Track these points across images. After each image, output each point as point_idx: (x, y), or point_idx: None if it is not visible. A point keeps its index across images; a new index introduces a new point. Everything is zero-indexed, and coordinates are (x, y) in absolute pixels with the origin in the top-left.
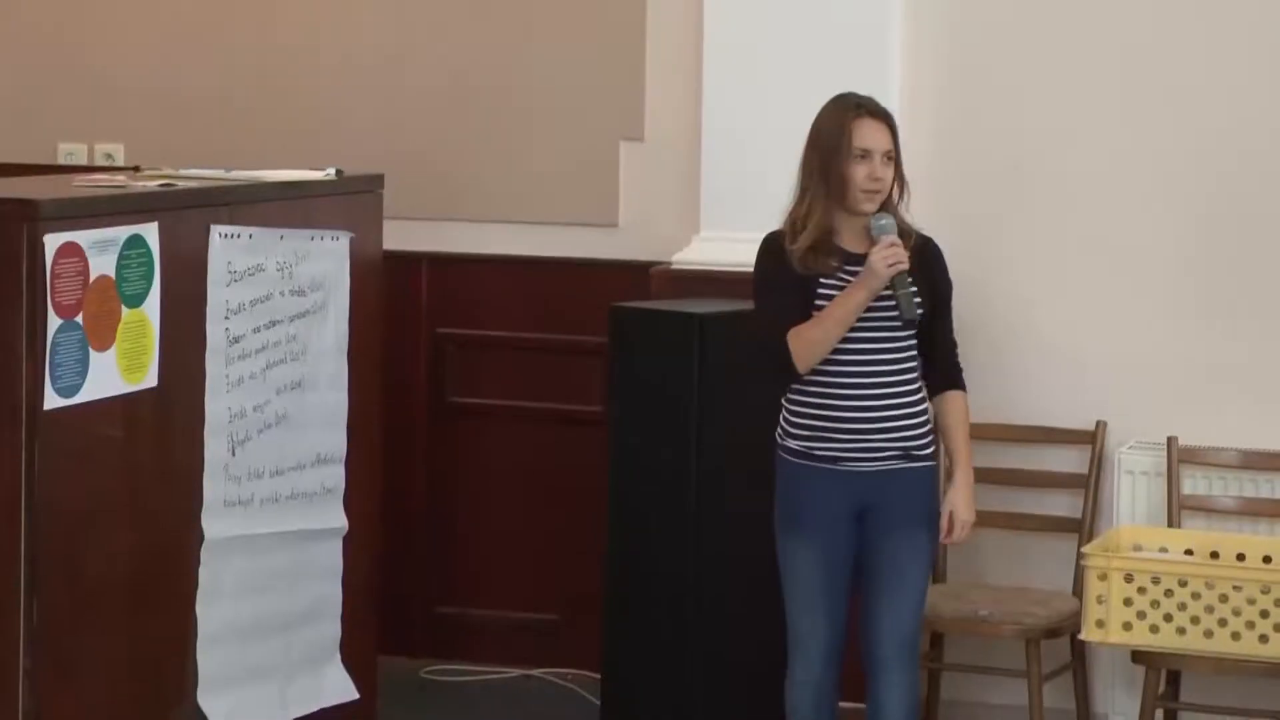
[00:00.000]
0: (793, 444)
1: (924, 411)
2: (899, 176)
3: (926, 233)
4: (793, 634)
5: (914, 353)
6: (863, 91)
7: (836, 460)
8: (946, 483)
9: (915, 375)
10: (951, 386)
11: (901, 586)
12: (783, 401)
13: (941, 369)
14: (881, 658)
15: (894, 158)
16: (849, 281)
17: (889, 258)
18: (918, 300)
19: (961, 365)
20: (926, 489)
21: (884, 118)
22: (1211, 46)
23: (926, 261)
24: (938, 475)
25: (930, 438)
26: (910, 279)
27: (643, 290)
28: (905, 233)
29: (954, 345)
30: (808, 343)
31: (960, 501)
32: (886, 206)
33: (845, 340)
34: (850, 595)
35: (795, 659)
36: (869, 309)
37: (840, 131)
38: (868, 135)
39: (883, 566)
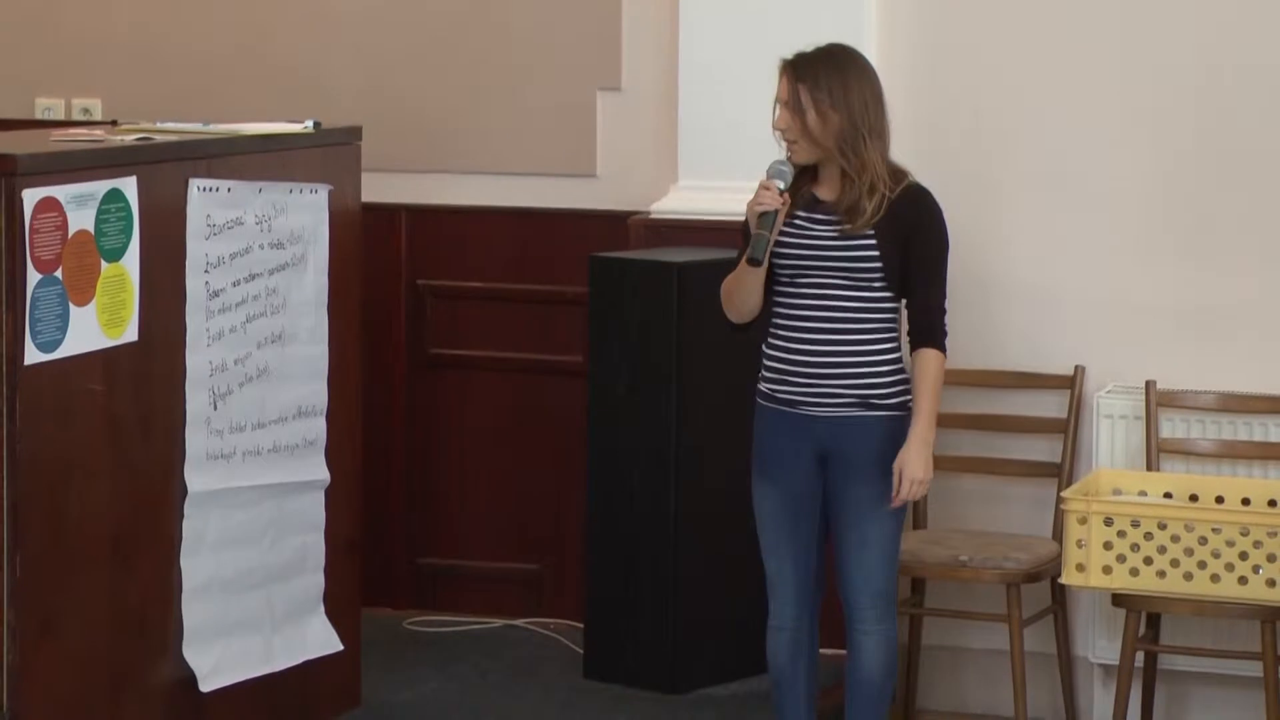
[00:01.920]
0: (763, 387)
1: (891, 362)
2: (834, 123)
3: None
4: (767, 578)
5: (887, 304)
6: (836, 35)
7: (794, 404)
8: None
9: (885, 327)
10: (925, 344)
11: (865, 537)
12: (763, 346)
13: (916, 324)
14: (855, 608)
15: (794, 105)
16: (801, 226)
17: (756, 200)
18: (771, 247)
19: (945, 327)
20: (889, 438)
21: (789, 69)
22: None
23: (903, 210)
24: (905, 424)
25: (897, 388)
26: (773, 223)
27: (621, 240)
28: (872, 181)
29: (934, 304)
30: (725, 289)
31: (910, 458)
32: (855, 165)
33: (808, 287)
34: (823, 540)
35: (770, 603)
36: (828, 258)
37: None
38: (780, 88)
39: (846, 516)
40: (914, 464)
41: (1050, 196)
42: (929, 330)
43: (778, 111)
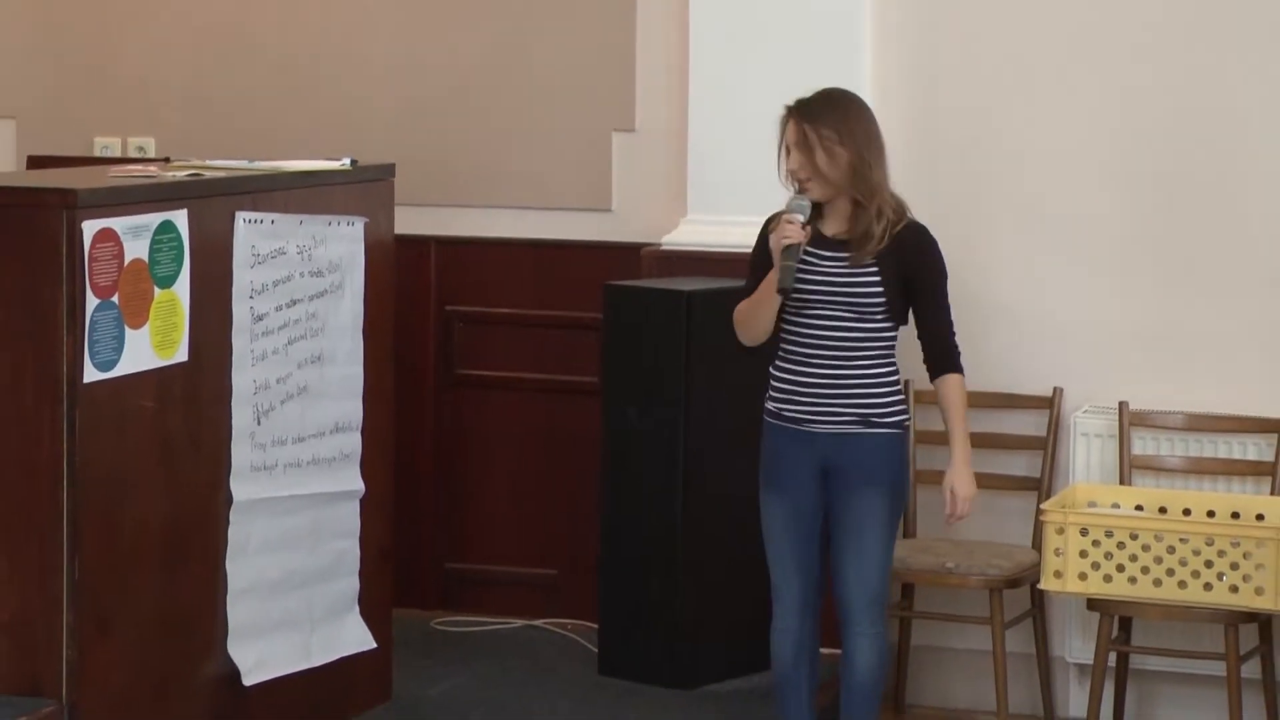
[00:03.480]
0: (771, 406)
1: (890, 384)
2: (842, 159)
3: (921, 220)
4: (772, 584)
5: (886, 332)
6: (835, 82)
7: (801, 422)
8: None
9: (885, 352)
10: (945, 370)
11: (862, 546)
12: (769, 369)
13: (933, 352)
14: (851, 611)
15: (804, 146)
16: (809, 262)
17: (781, 233)
18: (798, 276)
19: (958, 348)
20: (886, 453)
21: (795, 114)
22: (1152, 31)
23: (904, 246)
24: (903, 442)
25: (895, 407)
26: (798, 254)
27: (634, 269)
28: (880, 206)
29: (945, 330)
30: (740, 317)
31: (956, 479)
32: (865, 192)
33: (815, 317)
34: (824, 548)
35: (775, 607)
36: (835, 291)
37: (781, 131)
38: (788, 133)
39: (845, 526)
40: (963, 483)
41: (1032, 231)
42: (945, 356)
43: (789, 155)
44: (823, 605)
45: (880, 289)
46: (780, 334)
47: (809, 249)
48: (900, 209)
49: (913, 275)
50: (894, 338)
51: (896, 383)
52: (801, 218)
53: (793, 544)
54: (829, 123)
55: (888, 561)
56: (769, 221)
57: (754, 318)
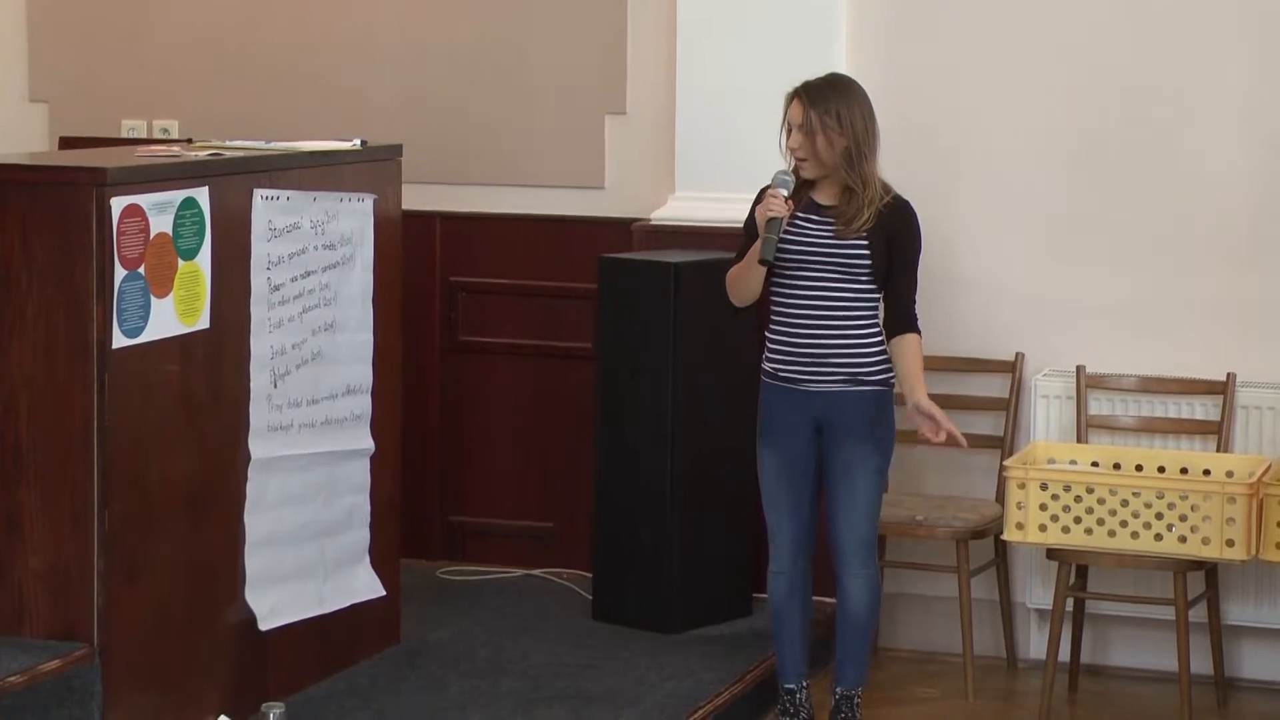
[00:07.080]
0: (767, 366)
1: (876, 343)
2: (839, 145)
3: (905, 197)
4: (768, 531)
5: (870, 296)
6: (811, 68)
7: (796, 382)
8: (900, 407)
9: (870, 314)
10: (904, 330)
11: (853, 492)
12: (765, 332)
13: (895, 315)
14: (843, 554)
15: (807, 129)
16: (802, 227)
17: (766, 206)
18: (790, 239)
19: (916, 314)
20: (874, 408)
21: (801, 96)
22: (1107, 19)
23: (891, 221)
24: (887, 397)
25: (880, 366)
26: (780, 227)
27: (625, 243)
28: (871, 195)
29: (910, 298)
30: (731, 280)
31: (933, 406)
32: (856, 180)
33: (807, 280)
34: (816, 498)
35: (771, 551)
36: (826, 255)
37: (786, 109)
38: (791, 112)
39: (837, 476)
40: (937, 409)
41: (995, 207)
42: (908, 319)
43: (790, 134)
44: (815, 551)
45: (867, 252)
46: (771, 297)
47: (800, 214)
48: (887, 188)
49: (895, 243)
50: (877, 300)
51: (881, 343)
52: (785, 192)
53: (787, 493)
54: (834, 109)
55: (876, 508)
56: (763, 191)
57: (741, 282)
